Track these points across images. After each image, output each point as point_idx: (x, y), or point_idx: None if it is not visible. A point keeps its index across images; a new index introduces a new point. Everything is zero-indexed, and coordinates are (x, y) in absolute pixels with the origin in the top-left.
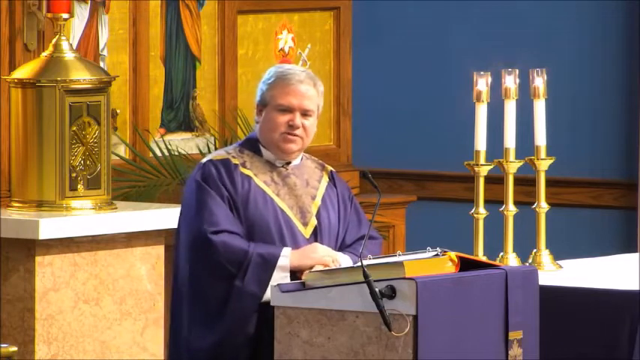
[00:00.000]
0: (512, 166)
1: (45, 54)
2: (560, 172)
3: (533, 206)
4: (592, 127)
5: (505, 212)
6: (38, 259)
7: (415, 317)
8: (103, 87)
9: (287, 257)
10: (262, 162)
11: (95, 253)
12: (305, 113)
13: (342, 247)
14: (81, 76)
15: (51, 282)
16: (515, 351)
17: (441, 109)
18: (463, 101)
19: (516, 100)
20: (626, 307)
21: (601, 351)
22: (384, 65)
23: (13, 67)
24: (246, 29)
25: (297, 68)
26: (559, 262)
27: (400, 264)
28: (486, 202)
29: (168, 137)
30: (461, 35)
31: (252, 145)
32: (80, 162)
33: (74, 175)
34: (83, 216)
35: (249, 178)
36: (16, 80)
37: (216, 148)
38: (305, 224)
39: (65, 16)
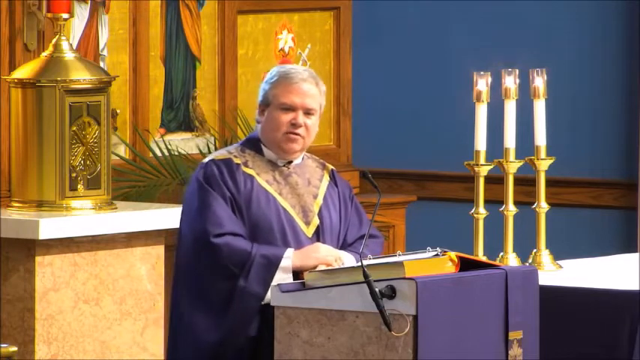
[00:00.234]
0: (512, 166)
1: (45, 54)
2: (560, 172)
3: (533, 206)
4: (592, 127)
5: (505, 212)
6: (38, 259)
7: (415, 317)
8: (103, 87)
9: (289, 258)
10: (264, 161)
11: (95, 253)
12: (307, 112)
13: (343, 246)
14: (81, 76)
15: (51, 282)
16: (515, 351)
17: (441, 109)
18: (463, 101)
19: (516, 100)
20: (626, 307)
21: (601, 351)
22: (384, 65)
23: (13, 67)
24: (246, 29)
25: (299, 68)
26: (559, 262)
27: (400, 264)
28: (486, 202)
29: (168, 137)
30: (461, 35)
31: (253, 145)
32: (80, 162)
33: (74, 175)
34: (83, 216)
35: (251, 177)
36: (16, 80)
37: (216, 148)
38: (307, 223)
39: (65, 16)
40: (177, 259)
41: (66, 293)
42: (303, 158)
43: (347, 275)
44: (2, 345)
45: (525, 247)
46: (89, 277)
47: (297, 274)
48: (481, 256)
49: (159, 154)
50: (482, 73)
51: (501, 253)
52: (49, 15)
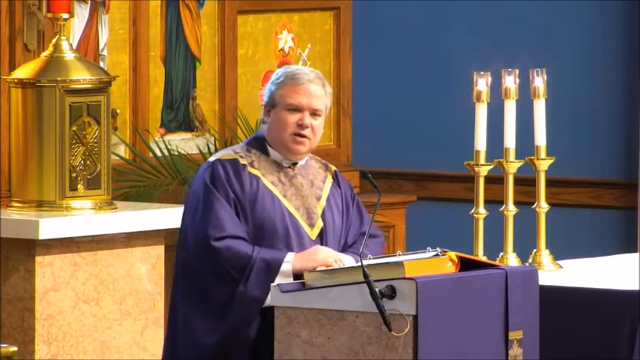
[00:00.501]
0: (512, 166)
1: (45, 54)
2: (560, 172)
3: (533, 206)
4: (592, 127)
5: (505, 212)
6: (38, 259)
7: (415, 317)
8: (103, 87)
9: (290, 262)
10: (269, 162)
11: (95, 253)
12: (314, 113)
13: (344, 247)
14: (81, 76)
15: (51, 282)
16: (515, 351)
17: (441, 109)
18: (463, 101)
19: (516, 100)
20: (626, 307)
21: (601, 351)
22: (384, 65)
23: (13, 67)
24: (246, 29)
25: (306, 69)
26: (559, 262)
27: (400, 264)
28: (486, 202)
29: (168, 137)
30: (461, 35)
31: (259, 145)
32: (80, 162)
33: (74, 175)
34: (83, 216)
35: (257, 178)
36: (16, 80)
37: (216, 148)
38: (311, 225)
39: (65, 16)
40: (178, 259)
41: (66, 293)
42: (306, 159)
43: (347, 275)
44: (2, 345)
45: (525, 247)
46: (89, 277)
47: (298, 276)
48: (481, 256)
49: (159, 154)
50: (482, 73)
51: (501, 253)
52: (49, 15)
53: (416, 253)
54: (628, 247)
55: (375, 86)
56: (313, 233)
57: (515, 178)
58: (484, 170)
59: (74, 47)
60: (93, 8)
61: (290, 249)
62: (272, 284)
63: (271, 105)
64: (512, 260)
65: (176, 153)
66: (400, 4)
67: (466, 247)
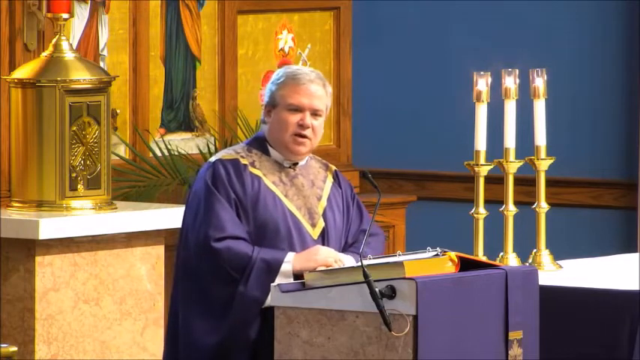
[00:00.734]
0: (512, 166)
1: (45, 54)
2: (560, 172)
3: (533, 206)
4: (592, 127)
5: (505, 212)
6: (38, 259)
7: (415, 317)
8: (103, 87)
9: (290, 263)
10: (271, 162)
11: (95, 253)
12: (315, 113)
13: (345, 245)
14: (81, 76)
15: (51, 282)
16: (515, 351)
17: (441, 109)
18: (463, 101)
19: (516, 100)
20: (626, 307)
21: (601, 351)
22: (384, 65)
23: (13, 67)
24: (246, 29)
25: (306, 69)
26: (559, 262)
27: (400, 264)
28: (486, 202)
29: (168, 137)
30: (461, 35)
31: (260, 145)
32: (80, 162)
33: (74, 175)
34: (83, 216)
35: (258, 178)
36: (16, 80)
37: (216, 148)
38: (313, 225)
39: (65, 16)
40: (179, 259)
41: (66, 293)
42: (307, 159)
43: (347, 275)
44: (2, 345)
45: (525, 247)
46: (89, 277)
47: (298, 276)
48: (481, 256)
49: (159, 154)
50: (482, 73)
51: (501, 253)
52: (49, 15)
53: (416, 253)
54: (628, 247)
55: (375, 86)
56: (315, 233)
57: (515, 178)
58: (484, 170)
59: (74, 47)
60: (93, 8)
61: (292, 249)
62: (272, 284)
63: (272, 105)
64: (512, 260)
65: (176, 153)
66: (400, 4)
67: (466, 247)
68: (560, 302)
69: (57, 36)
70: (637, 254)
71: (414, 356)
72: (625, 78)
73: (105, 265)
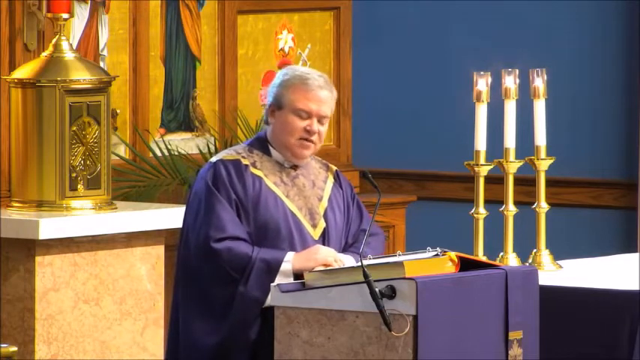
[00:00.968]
0: (512, 166)
1: (45, 54)
2: (560, 172)
3: (533, 206)
4: (592, 127)
5: (505, 212)
6: (38, 259)
7: (415, 317)
8: (103, 87)
9: (290, 262)
10: (272, 162)
11: (95, 253)
12: (321, 118)
13: (345, 245)
14: (81, 76)
15: (51, 282)
16: (515, 351)
17: (441, 109)
18: (463, 101)
19: (516, 100)
20: (626, 307)
21: (601, 351)
22: (384, 65)
23: (13, 67)
24: (246, 29)
25: (314, 73)
26: (559, 262)
27: (400, 264)
28: (486, 202)
29: (168, 137)
30: (461, 35)
31: (261, 145)
32: (80, 162)
33: (74, 175)
34: (83, 216)
35: (259, 178)
36: (16, 80)
37: (216, 148)
38: (314, 226)
39: (65, 16)
40: (179, 259)
41: (66, 293)
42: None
43: (347, 275)
44: (2, 345)
45: (525, 247)
46: (89, 277)
47: (298, 276)
48: (481, 256)
49: (159, 154)
50: (482, 73)
51: (501, 253)
52: (49, 15)
53: (416, 253)
54: (628, 247)
55: (375, 86)
56: (316, 233)
57: (515, 178)
58: (484, 170)
59: (74, 47)
60: (93, 8)
61: (293, 249)
62: (272, 284)
63: (277, 106)
64: (512, 260)
65: (176, 153)
66: (400, 4)
67: (466, 247)
68: (560, 302)
69: (57, 36)
70: (637, 254)
71: (414, 356)
72: (625, 78)
73: (105, 265)
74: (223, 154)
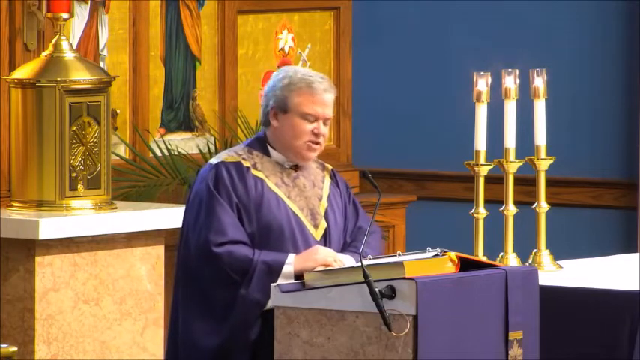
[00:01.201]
0: (512, 166)
1: (45, 54)
2: (560, 172)
3: (533, 206)
4: (592, 127)
5: (505, 212)
6: (38, 259)
7: (415, 317)
8: (103, 87)
9: (291, 264)
10: (272, 163)
11: (95, 253)
12: (326, 121)
13: (343, 244)
14: (81, 76)
15: (51, 282)
16: (515, 351)
17: (441, 109)
18: (463, 101)
19: (516, 100)
20: (626, 307)
21: (601, 351)
22: (384, 65)
23: (13, 67)
24: (246, 29)
25: (317, 75)
26: (559, 262)
27: (400, 264)
28: (486, 202)
29: (168, 137)
30: (461, 35)
31: (260, 146)
32: (80, 162)
33: (74, 175)
34: (83, 216)
35: (261, 180)
36: (16, 80)
37: (216, 148)
38: (316, 226)
39: (65, 16)
40: (179, 259)
41: (66, 293)
42: None
43: (347, 275)
44: (2, 345)
45: (525, 247)
46: (89, 277)
47: (299, 276)
48: (481, 256)
49: (159, 154)
50: (482, 73)
51: (501, 253)
52: (49, 15)
53: (416, 253)
54: (628, 247)
55: (375, 86)
56: (317, 234)
57: (515, 178)
58: (484, 170)
59: (74, 47)
60: (93, 8)
61: (296, 250)
62: (272, 284)
63: (282, 109)
64: (512, 260)
65: (176, 153)
66: (400, 4)
67: (466, 247)
68: (560, 302)
69: (57, 36)
70: (637, 254)
71: (414, 356)
72: (625, 78)
73: (105, 265)
74: (224, 156)
